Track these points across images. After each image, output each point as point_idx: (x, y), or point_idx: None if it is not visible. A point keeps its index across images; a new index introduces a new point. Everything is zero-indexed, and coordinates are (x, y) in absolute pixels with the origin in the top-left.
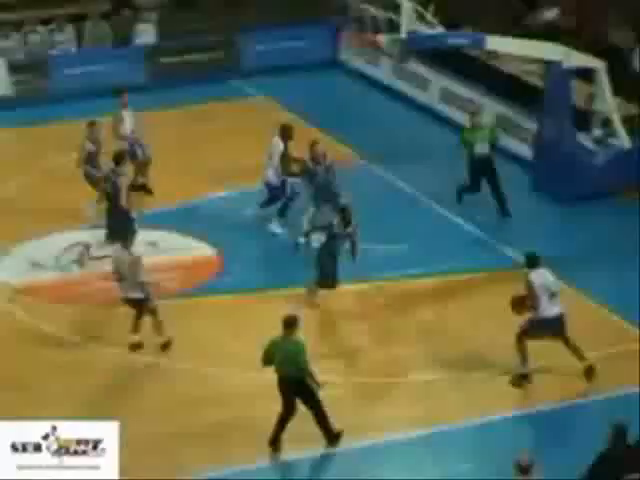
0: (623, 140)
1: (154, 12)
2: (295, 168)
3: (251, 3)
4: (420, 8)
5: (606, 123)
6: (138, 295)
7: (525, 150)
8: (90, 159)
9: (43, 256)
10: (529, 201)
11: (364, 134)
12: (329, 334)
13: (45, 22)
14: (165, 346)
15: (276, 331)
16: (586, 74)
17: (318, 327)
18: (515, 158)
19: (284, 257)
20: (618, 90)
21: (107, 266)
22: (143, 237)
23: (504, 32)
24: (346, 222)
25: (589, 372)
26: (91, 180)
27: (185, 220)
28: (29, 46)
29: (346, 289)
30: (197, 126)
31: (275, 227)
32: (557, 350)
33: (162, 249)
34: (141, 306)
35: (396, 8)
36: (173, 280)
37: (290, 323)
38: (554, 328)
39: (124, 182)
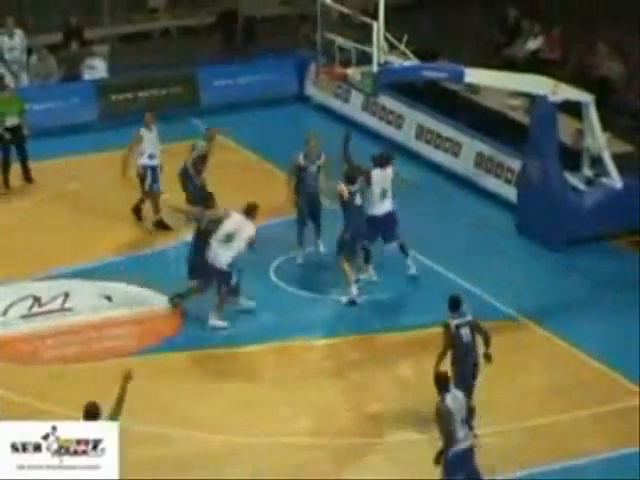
0: (614, 179)
1: (105, 45)
2: None
3: (209, 34)
4: (393, 38)
5: (596, 161)
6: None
7: (509, 191)
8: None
9: None
10: (514, 246)
11: (332, 175)
12: (300, 390)
13: None
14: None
15: (242, 390)
16: (574, 108)
17: (288, 383)
18: (498, 200)
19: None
20: (608, 125)
21: (57, 321)
22: (96, 290)
23: (484, 64)
24: None
25: None
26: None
27: (143, 270)
28: None
29: (319, 343)
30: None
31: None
32: (547, 408)
33: (117, 302)
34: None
35: (367, 38)
36: (130, 336)
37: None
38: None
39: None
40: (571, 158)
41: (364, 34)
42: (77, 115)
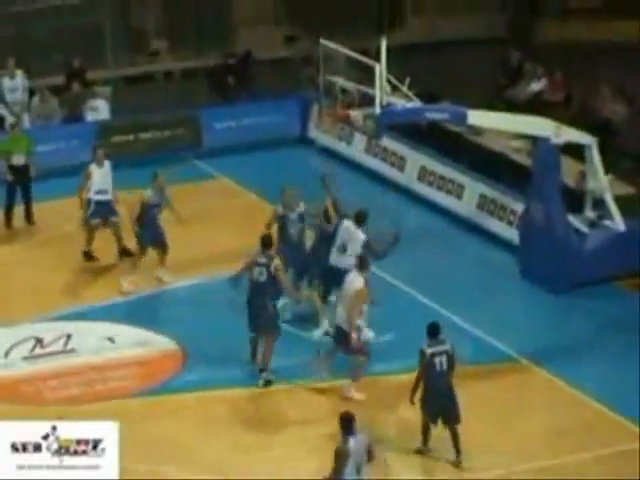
0: (617, 222)
1: (107, 86)
2: None
3: (212, 75)
4: (395, 80)
5: (599, 203)
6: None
7: (512, 233)
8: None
9: None
10: (516, 288)
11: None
12: (301, 432)
13: None
14: None
15: (245, 433)
16: (576, 150)
17: (293, 427)
18: (501, 241)
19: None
20: (611, 167)
21: (59, 363)
22: (99, 331)
23: (487, 105)
24: None
25: None
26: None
27: (146, 312)
28: None
29: (325, 385)
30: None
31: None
32: (550, 450)
33: (120, 344)
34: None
35: (369, 80)
36: (133, 378)
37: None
38: None
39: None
40: (574, 200)
41: (367, 76)
42: (78, 156)
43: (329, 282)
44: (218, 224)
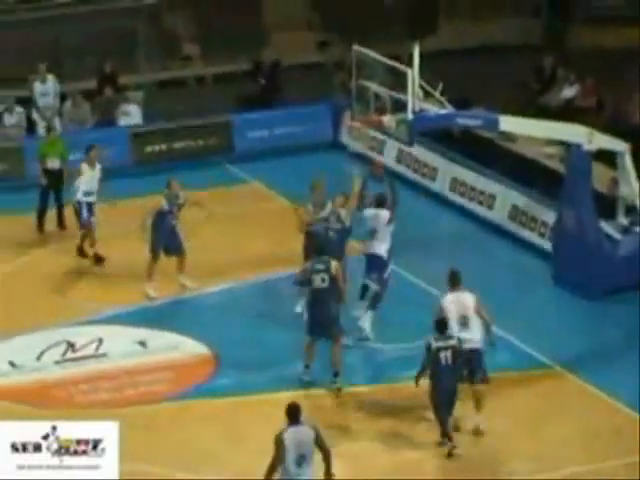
0: None
1: (140, 91)
2: None
3: (243, 80)
4: (427, 85)
5: (631, 210)
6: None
7: (544, 240)
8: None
9: (22, 356)
10: (550, 295)
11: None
12: (333, 437)
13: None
14: None
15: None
16: (609, 157)
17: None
18: (533, 248)
19: (285, 357)
20: None
21: (91, 367)
22: (130, 336)
23: (519, 111)
24: None
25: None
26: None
27: (177, 316)
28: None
29: (353, 390)
30: (185, 215)
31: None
32: (582, 457)
33: (152, 349)
34: None
35: (402, 86)
36: (164, 382)
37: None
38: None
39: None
40: (606, 206)
41: (399, 81)
42: (111, 161)
43: (367, 270)
44: (249, 228)
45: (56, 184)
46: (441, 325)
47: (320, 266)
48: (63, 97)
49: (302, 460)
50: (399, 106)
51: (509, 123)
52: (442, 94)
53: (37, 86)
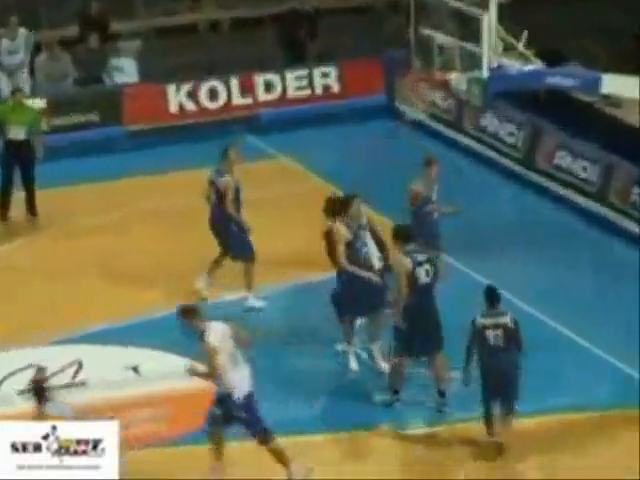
0: None
1: (136, 41)
2: None
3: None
4: (508, 36)
5: None
6: None
7: None
8: None
9: None
10: None
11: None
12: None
13: None
14: None
15: None
16: None
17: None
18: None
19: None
20: None
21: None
22: (117, 358)
23: (625, 69)
24: None
25: None
26: None
27: (179, 333)
28: None
29: (420, 433)
30: (192, 200)
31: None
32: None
33: (146, 376)
34: None
35: (475, 36)
36: (162, 420)
37: None
38: None
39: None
40: None
41: (471, 30)
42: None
43: None
44: (275, 218)
45: (22, 160)
46: (491, 295)
47: (421, 257)
48: (38, 48)
49: (234, 357)
50: (472, 61)
51: (614, 84)
52: (527, 46)
53: (4, 43)
